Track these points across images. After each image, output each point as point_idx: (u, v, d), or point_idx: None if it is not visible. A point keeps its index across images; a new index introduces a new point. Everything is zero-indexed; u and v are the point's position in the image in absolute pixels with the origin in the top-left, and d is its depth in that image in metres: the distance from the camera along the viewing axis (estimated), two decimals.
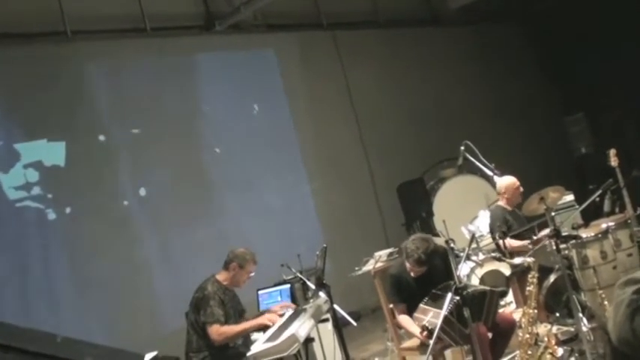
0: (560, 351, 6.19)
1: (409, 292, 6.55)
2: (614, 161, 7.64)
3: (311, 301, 6.73)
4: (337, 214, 12.07)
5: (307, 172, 12.10)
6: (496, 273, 8.18)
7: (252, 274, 6.81)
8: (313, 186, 12.08)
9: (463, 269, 7.47)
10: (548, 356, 5.97)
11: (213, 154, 11.05)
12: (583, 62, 14.04)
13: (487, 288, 6.09)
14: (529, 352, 5.90)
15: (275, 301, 7.56)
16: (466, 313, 5.25)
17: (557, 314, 7.23)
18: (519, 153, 13.43)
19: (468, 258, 7.29)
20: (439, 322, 5.34)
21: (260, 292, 7.82)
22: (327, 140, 12.33)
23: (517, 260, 6.52)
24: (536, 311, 5.97)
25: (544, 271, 6.96)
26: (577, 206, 8.79)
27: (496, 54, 14.91)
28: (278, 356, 5.60)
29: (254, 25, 11.96)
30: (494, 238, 7.90)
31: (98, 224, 9.68)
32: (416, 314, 6.27)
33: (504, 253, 7.59)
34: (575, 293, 6.78)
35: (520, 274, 7.19)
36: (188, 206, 10.54)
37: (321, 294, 6.61)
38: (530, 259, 6.21)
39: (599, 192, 7.21)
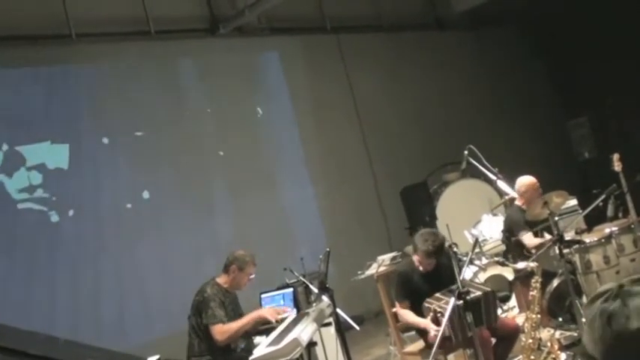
0: (562, 356, 6.17)
1: (416, 291, 6.53)
2: (617, 166, 7.62)
3: (314, 304, 6.71)
4: (340, 217, 12.07)
5: (310, 175, 12.09)
6: (499, 277, 8.18)
7: (253, 276, 6.79)
8: (317, 189, 12.08)
9: (466, 273, 7.46)
10: None
11: (217, 157, 11.06)
12: (586, 66, 14.02)
13: (480, 290, 6.04)
14: (532, 357, 5.89)
15: (277, 304, 7.54)
16: (469, 317, 5.25)
17: (560, 319, 7.22)
18: (522, 157, 13.38)
19: (471, 262, 7.27)
20: (449, 308, 5.31)
21: (263, 295, 7.79)
22: (331, 144, 12.33)
23: (521, 265, 6.51)
24: (539, 316, 5.96)
25: (547, 276, 6.96)
26: (580, 211, 8.77)
27: (500, 58, 14.89)
28: None
29: (258, 28, 11.97)
30: (508, 239, 7.85)
31: (101, 227, 9.70)
32: (428, 299, 6.24)
33: (514, 256, 7.58)
34: (578, 298, 6.78)
35: (523, 278, 7.20)
36: (191, 209, 10.54)
37: (324, 298, 6.60)
38: (533, 264, 6.20)
39: (602, 197, 7.20)
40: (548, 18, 14.86)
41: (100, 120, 10.02)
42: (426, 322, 6.22)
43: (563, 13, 14.34)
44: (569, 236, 7.06)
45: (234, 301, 6.81)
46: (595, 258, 7.02)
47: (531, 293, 6.02)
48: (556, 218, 6.92)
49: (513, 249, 7.75)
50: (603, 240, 7.08)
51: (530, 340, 5.82)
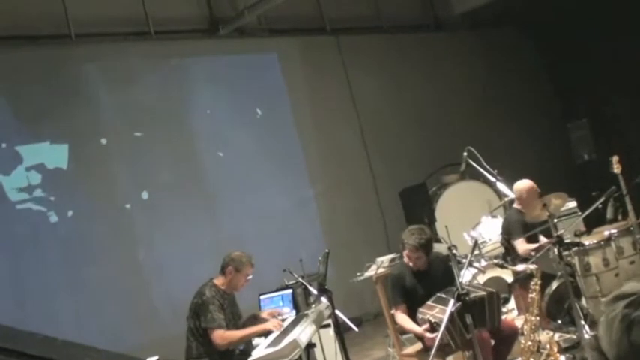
0: (562, 358, 6.18)
1: (410, 292, 6.54)
2: (616, 168, 7.63)
3: (313, 306, 6.71)
4: (339, 218, 12.07)
5: (309, 176, 12.09)
6: (498, 280, 8.18)
7: (250, 277, 6.77)
8: (315, 190, 12.08)
9: (465, 275, 7.46)
10: None
11: (216, 157, 11.06)
12: (586, 68, 14.02)
13: (484, 292, 6.05)
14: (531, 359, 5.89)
15: (277, 306, 7.52)
16: (468, 319, 5.25)
17: (559, 321, 7.22)
18: (521, 159, 13.38)
19: (470, 264, 7.27)
20: (445, 317, 5.32)
21: (262, 297, 7.78)
22: (330, 145, 12.33)
23: (520, 267, 6.51)
24: (538, 318, 5.96)
25: (546, 278, 6.95)
26: (579, 213, 8.78)
27: (499, 60, 14.88)
28: None
29: (258, 29, 11.98)
30: (507, 241, 7.86)
31: (100, 227, 9.70)
32: (421, 309, 6.25)
33: (513, 258, 7.59)
34: (577, 300, 6.78)
35: (522, 280, 7.19)
36: (190, 210, 10.54)
37: (323, 299, 6.61)
38: (533, 266, 6.20)
39: (602, 199, 7.21)
40: (548, 20, 14.86)
41: (100, 120, 10.03)
42: (421, 331, 6.23)
43: (563, 14, 14.34)
44: (568, 238, 7.06)
45: (232, 302, 6.79)
46: (594, 260, 7.03)
47: (530, 295, 6.02)
48: (555, 220, 6.91)
49: (512, 251, 7.75)
50: (602, 242, 7.09)
51: (530, 343, 5.82)
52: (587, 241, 7.18)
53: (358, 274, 8.73)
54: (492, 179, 8.93)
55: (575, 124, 14.93)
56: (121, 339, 9.14)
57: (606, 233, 7.23)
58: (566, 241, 6.77)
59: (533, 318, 5.89)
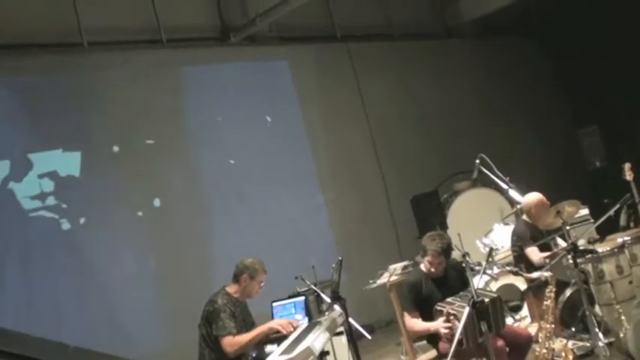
0: None
1: (426, 299, 6.54)
2: (629, 175, 7.61)
3: (326, 313, 6.69)
4: (350, 225, 12.06)
5: (321, 183, 12.09)
6: (510, 287, 8.16)
7: (263, 283, 6.78)
8: (326, 197, 12.07)
9: (479, 283, 7.44)
10: None
11: (228, 165, 11.06)
12: (597, 74, 13.99)
13: (488, 297, 6.03)
14: None
15: (289, 313, 7.51)
16: (483, 327, 5.23)
17: (573, 329, 7.19)
18: (533, 166, 13.40)
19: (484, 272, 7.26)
20: (465, 313, 5.30)
21: (274, 304, 7.77)
22: (341, 152, 12.33)
23: (535, 274, 6.49)
24: (553, 326, 5.93)
25: (560, 286, 6.93)
26: (592, 220, 8.75)
27: (510, 67, 14.88)
28: None
29: (269, 37, 11.99)
30: (520, 248, 7.85)
31: (112, 235, 9.71)
32: (440, 303, 6.26)
33: (527, 266, 7.57)
34: (591, 308, 6.74)
35: (536, 288, 7.16)
36: (202, 217, 10.55)
37: (336, 307, 6.59)
38: (547, 273, 6.17)
39: (617, 206, 7.18)
40: (558, 26, 14.85)
41: (112, 128, 10.03)
42: (436, 325, 6.23)
43: (573, 21, 14.32)
44: (582, 246, 7.03)
45: (244, 310, 6.77)
46: (608, 267, 6.97)
47: (545, 303, 6.00)
48: (567, 228, 6.88)
49: (525, 260, 7.73)
50: (616, 250, 7.03)
51: (545, 351, 5.80)
52: (600, 248, 7.13)
53: (371, 281, 8.73)
54: (504, 186, 8.90)
55: (587, 131, 14.89)
56: (133, 346, 9.14)
57: (620, 240, 7.17)
58: (581, 248, 6.73)
59: (548, 325, 5.86)
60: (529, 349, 6.38)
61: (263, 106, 11.67)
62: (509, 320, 6.65)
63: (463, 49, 14.46)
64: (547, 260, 7.18)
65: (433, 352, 6.79)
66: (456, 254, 7.31)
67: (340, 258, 6.64)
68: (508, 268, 8.40)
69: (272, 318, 7.61)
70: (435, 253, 6.52)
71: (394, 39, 13.59)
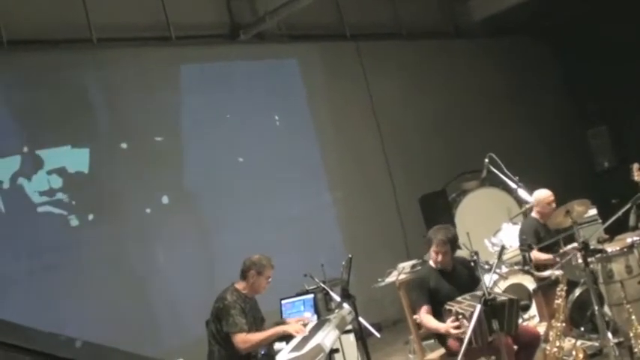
0: None
1: (435, 293, 6.56)
2: (637, 176, 7.59)
3: (336, 311, 6.70)
4: (358, 224, 12.05)
5: (329, 181, 12.09)
6: (519, 286, 8.15)
7: (271, 278, 6.78)
8: (335, 196, 12.07)
9: (486, 281, 7.44)
10: None
11: (236, 163, 11.06)
12: (605, 75, 13.97)
13: (506, 298, 6.03)
14: None
15: (298, 311, 7.53)
16: (495, 325, 5.23)
17: (582, 328, 7.18)
18: (541, 166, 13.36)
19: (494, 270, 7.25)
20: (476, 313, 5.29)
21: (283, 301, 7.78)
22: (350, 151, 12.33)
23: (546, 273, 6.48)
24: (564, 324, 5.92)
25: (569, 285, 6.91)
26: (600, 220, 8.73)
27: (519, 66, 14.88)
28: None
29: (278, 35, 11.98)
30: (522, 250, 7.84)
31: (120, 231, 9.71)
32: (449, 302, 6.27)
33: (532, 266, 7.56)
34: (600, 308, 6.73)
35: (546, 287, 7.16)
36: (210, 214, 10.55)
37: (345, 305, 6.60)
38: (558, 272, 6.17)
39: (628, 205, 7.16)
40: (567, 26, 14.84)
41: (121, 125, 10.04)
42: (446, 327, 6.23)
43: (582, 21, 14.31)
44: (592, 245, 7.02)
45: (254, 306, 6.78)
46: (617, 267, 6.95)
47: (557, 302, 5.99)
48: (576, 228, 6.87)
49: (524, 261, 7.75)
50: (626, 249, 7.02)
51: (555, 349, 5.78)
52: (609, 248, 7.13)
53: (379, 279, 8.72)
54: (513, 186, 8.88)
55: (595, 131, 14.89)
56: (140, 343, 9.13)
57: (629, 240, 7.16)
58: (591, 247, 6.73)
59: (558, 324, 5.85)
60: (537, 349, 6.38)
61: (272, 104, 11.67)
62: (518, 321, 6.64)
63: (472, 49, 14.45)
64: (558, 259, 7.17)
65: (441, 351, 6.79)
66: (465, 253, 7.33)
67: (350, 256, 6.66)
68: (517, 267, 8.40)
69: (281, 315, 7.63)
70: (440, 241, 6.58)
71: (403, 38, 13.58)
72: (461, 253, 7.45)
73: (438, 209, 10.76)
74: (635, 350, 5.87)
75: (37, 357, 3.19)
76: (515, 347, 6.25)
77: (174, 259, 10.09)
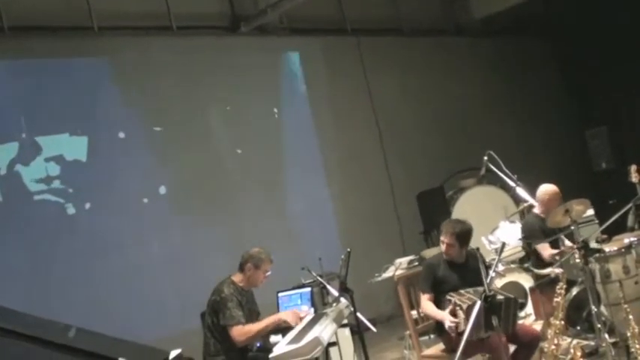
0: None
1: (441, 282, 6.57)
2: (635, 177, 7.60)
3: (334, 305, 6.69)
4: (355, 219, 12.05)
5: (327, 176, 12.08)
6: (515, 285, 8.15)
7: (269, 272, 6.77)
8: (332, 191, 12.06)
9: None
10: None
11: (235, 154, 11.05)
12: (605, 75, 13.99)
13: (503, 296, 6.02)
14: None
15: (295, 304, 7.50)
16: (494, 321, 5.23)
17: (578, 327, 7.18)
18: (538, 165, 13.36)
19: (490, 267, 7.25)
20: (476, 307, 5.28)
21: (280, 294, 7.77)
22: (348, 145, 12.32)
23: (546, 270, 6.49)
24: (562, 322, 5.92)
25: (566, 284, 6.92)
26: (597, 221, 8.74)
27: (518, 66, 14.90)
28: (300, 359, 5.56)
29: (279, 27, 11.96)
30: (528, 245, 7.83)
31: (117, 221, 9.69)
32: (452, 293, 6.28)
33: (534, 263, 7.57)
34: (598, 307, 6.74)
35: (544, 285, 7.17)
36: (207, 206, 10.53)
37: (342, 299, 6.60)
38: (558, 270, 6.17)
39: (629, 206, 7.18)
40: (567, 26, 14.86)
41: (120, 114, 10.01)
42: (442, 314, 6.25)
43: (582, 21, 14.33)
44: (591, 244, 7.03)
45: (250, 299, 6.77)
46: (615, 267, 6.97)
47: (556, 300, 5.99)
48: (572, 227, 6.86)
49: (535, 256, 7.72)
50: (623, 250, 7.04)
51: (554, 347, 5.79)
52: (607, 248, 7.14)
53: (376, 274, 8.72)
54: (512, 184, 8.87)
55: (594, 132, 14.91)
56: (135, 332, 9.10)
57: (626, 241, 7.18)
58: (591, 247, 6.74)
59: (557, 322, 5.85)
60: (536, 348, 6.38)
61: (271, 96, 11.67)
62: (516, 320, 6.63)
63: (472, 47, 14.47)
64: (557, 257, 7.18)
65: (438, 347, 6.79)
66: None
67: (349, 250, 6.65)
68: (513, 265, 8.41)
69: (277, 308, 7.62)
70: (447, 233, 6.58)
71: (404, 34, 13.57)
72: None
73: (435, 206, 10.78)
74: (632, 350, 5.86)
75: (33, 343, 3.19)
76: (514, 347, 6.26)
77: (170, 249, 10.08)
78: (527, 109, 14.82)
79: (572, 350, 5.91)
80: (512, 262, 8.75)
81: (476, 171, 9.89)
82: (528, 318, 7.96)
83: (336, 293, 6.81)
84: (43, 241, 9.09)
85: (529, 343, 6.27)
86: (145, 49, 10.46)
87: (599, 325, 6.35)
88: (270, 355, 5.63)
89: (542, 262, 7.52)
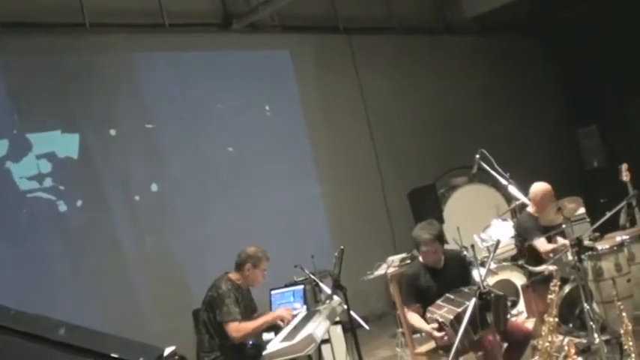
0: None
1: (424, 293, 6.54)
2: (625, 176, 7.64)
3: (327, 302, 6.69)
4: (346, 217, 12.05)
5: (318, 174, 12.08)
6: (507, 282, 8.17)
7: (266, 271, 6.77)
8: (323, 189, 12.05)
9: (476, 276, 7.44)
10: None
11: (226, 152, 11.03)
12: (597, 74, 14.04)
13: (492, 294, 6.02)
14: None
15: (288, 301, 7.50)
16: (489, 318, 5.24)
17: (570, 325, 7.20)
18: (530, 164, 13.37)
19: (483, 265, 7.26)
20: (465, 319, 5.28)
21: (273, 292, 7.76)
22: (339, 143, 12.32)
23: (540, 268, 6.50)
24: (556, 319, 5.93)
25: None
26: (588, 219, 8.76)
27: (510, 64, 14.93)
28: (294, 356, 5.57)
29: (271, 25, 11.95)
30: (521, 243, 7.84)
31: (109, 218, 9.68)
32: (430, 308, 6.27)
33: (527, 260, 7.59)
34: (590, 305, 6.76)
35: (537, 283, 7.18)
36: (199, 203, 10.51)
37: (335, 296, 6.60)
38: (553, 267, 6.19)
39: (622, 204, 7.22)
40: (559, 25, 14.90)
41: (111, 111, 9.97)
42: (429, 330, 6.25)
43: (575, 20, 14.36)
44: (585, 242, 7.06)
45: (247, 296, 6.78)
46: (607, 265, 7.00)
47: (550, 297, 5.99)
48: (564, 225, 6.88)
49: (528, 254, 7.73)
50: (616, 247, 7.07)
51: (547, 344, 5.79)
52: (599, 246, 7.17)
53: (368, 272, 8.73)
54: (504, 182, 8.88)
55: (585, 131, 14.95)
56: (126, 329, 9.08)
57: (618, 239, 7.21)
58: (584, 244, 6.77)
59: (551, 319, 5.86)
60: (527, 346, 6.40)
61: (263, 94, 11.65)
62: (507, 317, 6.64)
63: (463, 46, 14.48)
64: (551, 254, 7.19)
65: (430, 345, 6.79)
66: (452, 247, 7.34)
67: (342, 247, 6.65)
68: (505, 263, 8.41)
69: (270, 306, 7.62)
70: (427, 241, 6.50)
71: (396, 33, 13.57)
72: (451, 247, 7.47)
73: (427, 204, 10.75)
74: (625, 347, 5.88)
75: (26, 339, 3.17)
76: (506, 344, 6.27)
77: (162, 247, 10.06)
78: (519, 108, 14.85)
79: (566, 347, 5.92)
80: (504, 259, 8.75)
81: (468, 169, 9.89)
82: (520, 316, 7.96)
83: (328, 291, 6.81)
84: (34, 238, 9.04)
85: (521, 340, 6.30)
86: (138, 45, 10.44)
87: (591, 323, 6.40)
88: (264, 352, 5.64)
89: (536, 260, 7.54)
